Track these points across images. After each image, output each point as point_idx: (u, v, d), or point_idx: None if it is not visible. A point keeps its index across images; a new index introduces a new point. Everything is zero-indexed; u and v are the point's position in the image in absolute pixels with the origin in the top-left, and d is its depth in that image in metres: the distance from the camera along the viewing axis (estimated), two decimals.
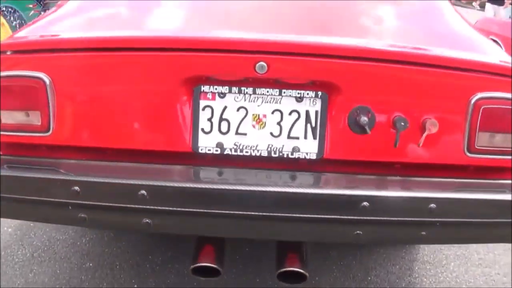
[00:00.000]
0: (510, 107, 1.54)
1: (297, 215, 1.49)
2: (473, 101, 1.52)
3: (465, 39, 1.86)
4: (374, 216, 1.47)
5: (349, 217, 1.48)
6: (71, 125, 1.56)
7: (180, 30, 1.68)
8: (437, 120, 1.53)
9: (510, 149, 1.58)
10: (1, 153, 1.62)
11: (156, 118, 1.55)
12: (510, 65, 1.58)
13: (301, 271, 1.62)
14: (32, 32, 1.73)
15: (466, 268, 2.64)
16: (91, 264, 2.49)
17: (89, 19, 1.80)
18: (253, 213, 1.49)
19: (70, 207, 1.50)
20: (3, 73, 1.52)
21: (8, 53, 1.54)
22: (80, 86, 1.54)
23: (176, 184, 1.49)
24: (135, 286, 2.34)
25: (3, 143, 1.60)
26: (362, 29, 1.80)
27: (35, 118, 1.54)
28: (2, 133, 1.56)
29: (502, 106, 1.54)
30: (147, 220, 1.51)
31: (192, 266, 1.64)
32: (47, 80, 1.50)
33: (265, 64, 1.45)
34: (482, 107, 1.53)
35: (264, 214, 1.49)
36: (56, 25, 1.77)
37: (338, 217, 1.49)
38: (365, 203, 1.45)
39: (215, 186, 1.49)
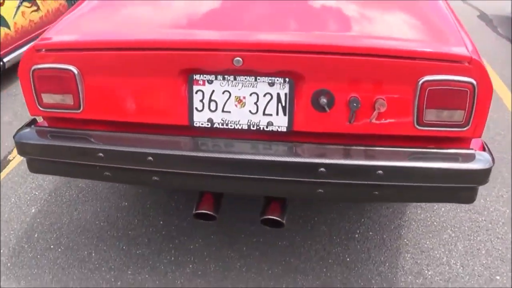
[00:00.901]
0: (453, 88, 1.78)
1: (272, 177, 1.87)
2: (420, 82, 1.78)
3: (422, 25, 2.04)
4: (331, 179, 1.82)
5: (311, 180, 1.84)
6: (97, 104, 1.97)
7: (177, 34, 2.00)
8: (389, 99, 1.81)
9: (454, 122, 1.83)
10: (47, 124, 2.08)
11: (161, 99, 1.93)
12: (452, 51, 1.82)
13: (279, 219, 2.02)
14: (60, 31, 2.09)
15: (455, 213, 2.79)
16: (126, 204, 2.89)
17: (107, 20, 2.15)
18: (238, 175, 1.88)
19: (97, 168, 1.96)
20: (41, 65, 1.93)
21: (43, 50, 1.95)
22: (103, 76, 1.93)
23: (173, 152, 1.90)
24: (161, 222, 2.73)
25: (45, 117, 2.06)
26: (324, 24, 2.04)
27: (68, 99, 1.96)
28: (44, 109, 2.01)
29: (445, 87, 1.79)
30: (156, 178, 1.94)
31: (194, 212, 2.08)
32: (75, 71, 1.91)
33: (240, 59, 1.78)
34: (428, 88, 1.79)
35: (247, 176, 1.87)
36: (80, 25, 2.13)
37: (303, 179, 1.86)
38: (322, 169, 1.80)
39: (204, 154, 1.89)
